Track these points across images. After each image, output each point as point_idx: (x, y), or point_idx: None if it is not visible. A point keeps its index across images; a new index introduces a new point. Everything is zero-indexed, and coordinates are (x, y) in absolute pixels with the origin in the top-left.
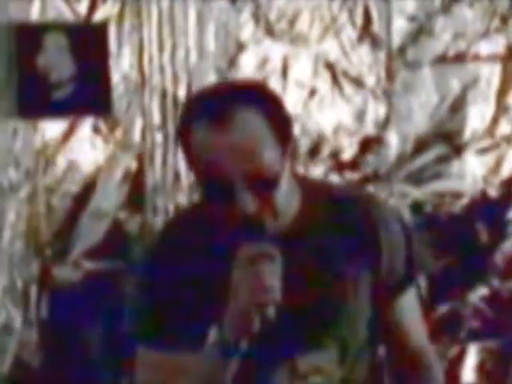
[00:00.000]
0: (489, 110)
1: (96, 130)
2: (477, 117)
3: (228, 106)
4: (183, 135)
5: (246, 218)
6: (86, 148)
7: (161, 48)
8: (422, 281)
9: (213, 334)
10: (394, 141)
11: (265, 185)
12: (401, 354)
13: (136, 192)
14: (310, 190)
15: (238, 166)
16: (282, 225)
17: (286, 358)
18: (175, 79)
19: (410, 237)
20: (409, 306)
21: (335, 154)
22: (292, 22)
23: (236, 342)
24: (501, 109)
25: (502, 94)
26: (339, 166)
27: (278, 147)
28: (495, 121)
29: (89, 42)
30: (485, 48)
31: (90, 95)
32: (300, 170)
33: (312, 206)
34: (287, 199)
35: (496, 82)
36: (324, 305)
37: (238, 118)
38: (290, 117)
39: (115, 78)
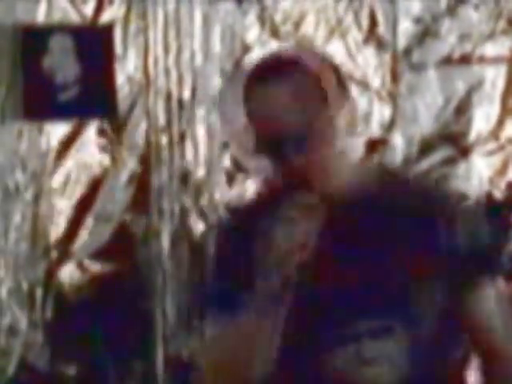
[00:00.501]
0: (494, 111)
1: (101, 131)
2: (482, 119)
3: (278, 71)
4: (243, 97)
5: (292, 173)
6: (91, 150)
7: (166, 50)
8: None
9: (257, 288)
10: (399, 143)
11: (309, 141)
12: (485, 355)
13: (141, 194)
14: (382, 171)
15: (280, 122)
16: (337, 188)
17: (350, 337)
18: (180, 81)
19: (481, 231)
20: (486, 302)
21: None
22: (297, 24)
23: (276, 293)
24: (506, 111)
25: (507, 95)
26: None
27: (326, 111)
28: (501, 123)
29: (94, 43)
30: (490, 50)
31: (95, 97)
32: None
33: (379, 184)
34: (340, 164)
35: (501, 83)
36: (387, 283)
37: (287, 82)
38: (344, 83)
39: (120, 79)
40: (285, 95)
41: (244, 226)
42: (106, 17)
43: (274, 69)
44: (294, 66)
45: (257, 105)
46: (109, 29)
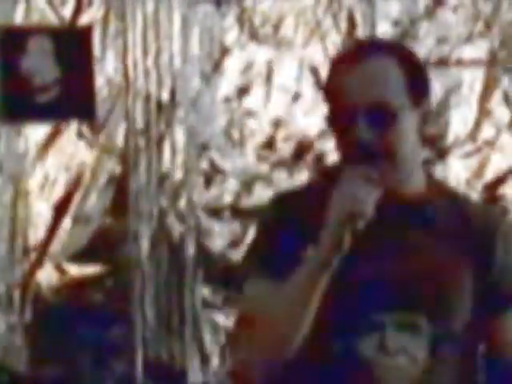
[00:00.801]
0: (471, 114)
1: (80, 134)
2: (459, 121)
3: (367, 51)
4: (329, 74)
5: (361, 146)
6: (69, 152)
7: (145, 52)
8: None
9: (309, 251)
10: None
11: (384, 120)
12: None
13: (120, 196)
14: (438, 182)
15: (363, 95)
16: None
17: (375, 326)
18: (159, 83)
19: None
20: None
21: (320, 159)
22: (276, 27)
23: (328, 256)
24: (483, 113)
25: (484, 98)
26: (323, 170)
27: (406, 96)
28: (478, 125)
29: (73, 45)
30: (468, 53)
31: (73, 99)
32: (284, 174)
33: (435, 193)
34: (408, 153)
35: (479, 86)
36: (421, 280)
37: (374, 60)
38: (426, 78)
39: (99, 81)
40: (379, 71)
41: (303, 200)
42: (84, 19)
43: (374, 47)
44: (396, 49)
45: (354, 72)
46: (87, 31)
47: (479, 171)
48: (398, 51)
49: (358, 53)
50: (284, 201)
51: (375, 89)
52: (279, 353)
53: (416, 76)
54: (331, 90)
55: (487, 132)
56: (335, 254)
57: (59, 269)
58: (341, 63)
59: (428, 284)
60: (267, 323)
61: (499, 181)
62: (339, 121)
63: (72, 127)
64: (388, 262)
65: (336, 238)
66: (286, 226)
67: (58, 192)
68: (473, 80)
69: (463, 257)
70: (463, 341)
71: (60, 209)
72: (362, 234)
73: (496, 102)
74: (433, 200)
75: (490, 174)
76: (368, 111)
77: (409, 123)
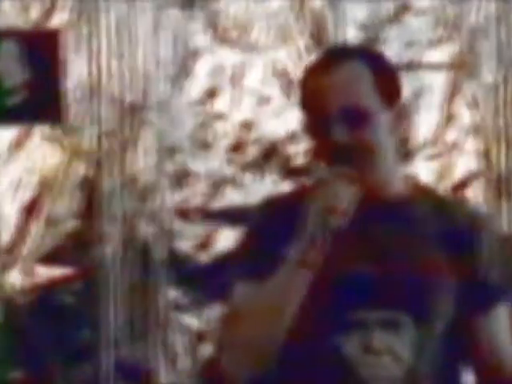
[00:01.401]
0: (437, 117)
1: (49, 137)
2: (425, 124)
3: (339, 57)
4: (302, 83)
5: (337, 148)
6: (39, 155)
7: (115, 55)
8: None
9: (289, 253)
10: None
11: (358, 120)
12: (492, 375)
13: (90, 198)
14: (422, 184)
15: (335, 99)
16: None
17: (359, 325)
18: (129, 86)
19: (509, 253)
20: (502, 323)
21: (288, 161)
22: (245, 30)
23: (305, 255)
24: (449, 116)
25: (450, 101)
26: (291, 172)
27: (378, 98)
28: (444, 128)
29: (42, 48)
30: (434, 57)
31: (43, 102)
32: (253, 176)
33: (420, 194)
34: (383, 153)
35: (445, 89)
36: (405, 280)
37: (345, 65)
38: (397, 79)
39: (69, 84)
40: (350, 74)
41: (286, 208)
42: (54, 21)
43: (345, 52)
44: (367, 53)
45: (325, 78)
46: (56, 34)
47: (443, 174)
48: (369, 55)
49: (330, 59)
50: (273, 205)
51: (347, 92)
52: (262, 352)
53: (387, 78)
54: (305, 96)
55: (451, 135)
56: (312, 253)
57: (28, 271)
58: (313, 70)
59: (411, 283)
60: (250, 323)
61: (463, 184)
62: (315, 126)
63: (41, 130)
64: (371, 261)
65: (313, 236)
66: (275, 229)
67: (28, 194)
68: (439, 83)
69: (447, 256)
70: (448, 340)
71: (29, 211)
72: (345, 233)
73: (461, 106)
74: (416, 201)
75: (454, 177)
76: (341, 114)
77: (382, 124)
